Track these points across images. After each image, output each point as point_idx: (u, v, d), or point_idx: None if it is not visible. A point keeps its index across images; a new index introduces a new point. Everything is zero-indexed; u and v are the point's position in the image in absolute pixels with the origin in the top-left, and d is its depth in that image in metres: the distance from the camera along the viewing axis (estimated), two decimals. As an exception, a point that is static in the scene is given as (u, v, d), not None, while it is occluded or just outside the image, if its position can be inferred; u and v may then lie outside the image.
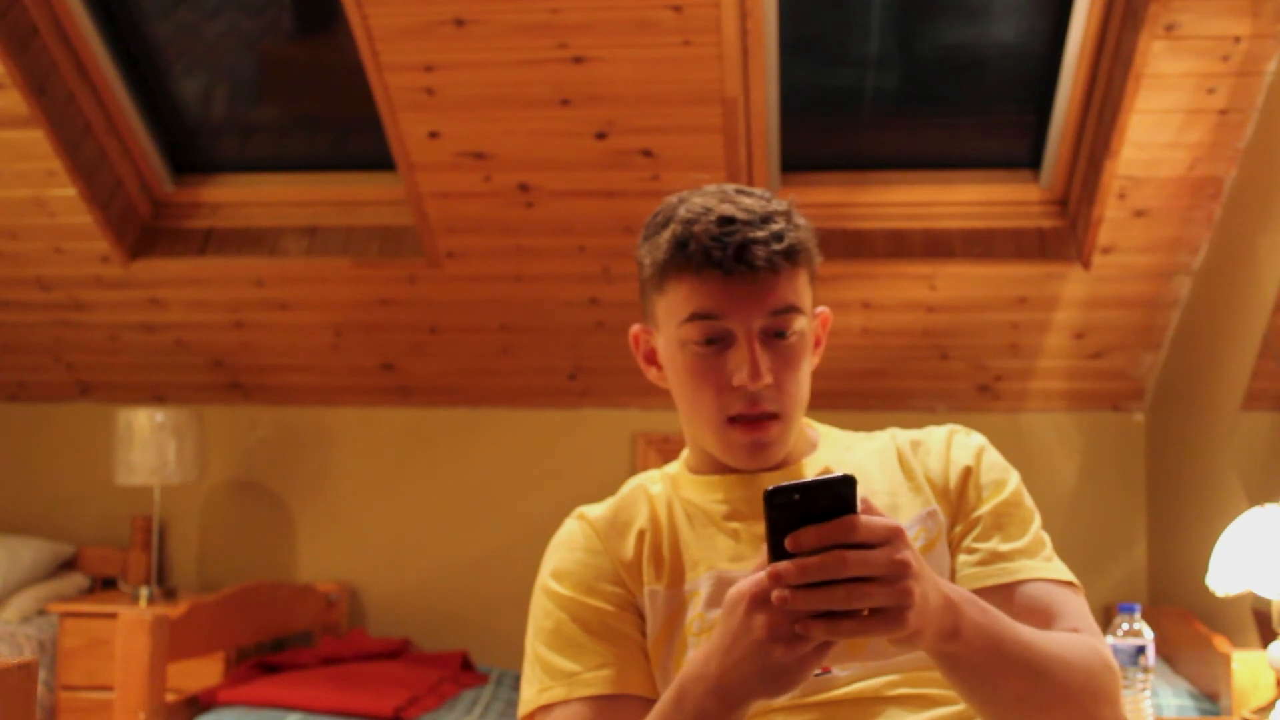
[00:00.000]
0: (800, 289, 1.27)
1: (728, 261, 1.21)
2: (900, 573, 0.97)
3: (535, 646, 1.28)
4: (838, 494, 0.97)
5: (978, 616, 1.07)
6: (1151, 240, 3.18)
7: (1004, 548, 1.25)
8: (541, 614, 1.29)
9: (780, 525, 0.97)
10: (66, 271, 3.65)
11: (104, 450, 3.79)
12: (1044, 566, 1.25)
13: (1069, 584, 1.26)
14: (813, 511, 0.96)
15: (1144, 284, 3.30)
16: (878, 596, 0.96)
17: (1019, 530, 1.27)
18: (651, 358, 1.35)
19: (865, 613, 0.97)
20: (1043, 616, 1.21)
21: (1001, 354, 3.54)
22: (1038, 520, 1.30)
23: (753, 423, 1.26)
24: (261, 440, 4.00)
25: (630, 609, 1.28)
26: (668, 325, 1.29)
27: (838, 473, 0.98)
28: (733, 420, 1.26)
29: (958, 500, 1.29)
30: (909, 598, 0.97)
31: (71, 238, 3.53)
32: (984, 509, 1.27)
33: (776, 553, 0.97)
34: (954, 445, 1.32)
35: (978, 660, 1.08)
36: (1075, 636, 1.19)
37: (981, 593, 1.20)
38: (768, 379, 1.23)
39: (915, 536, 1.26)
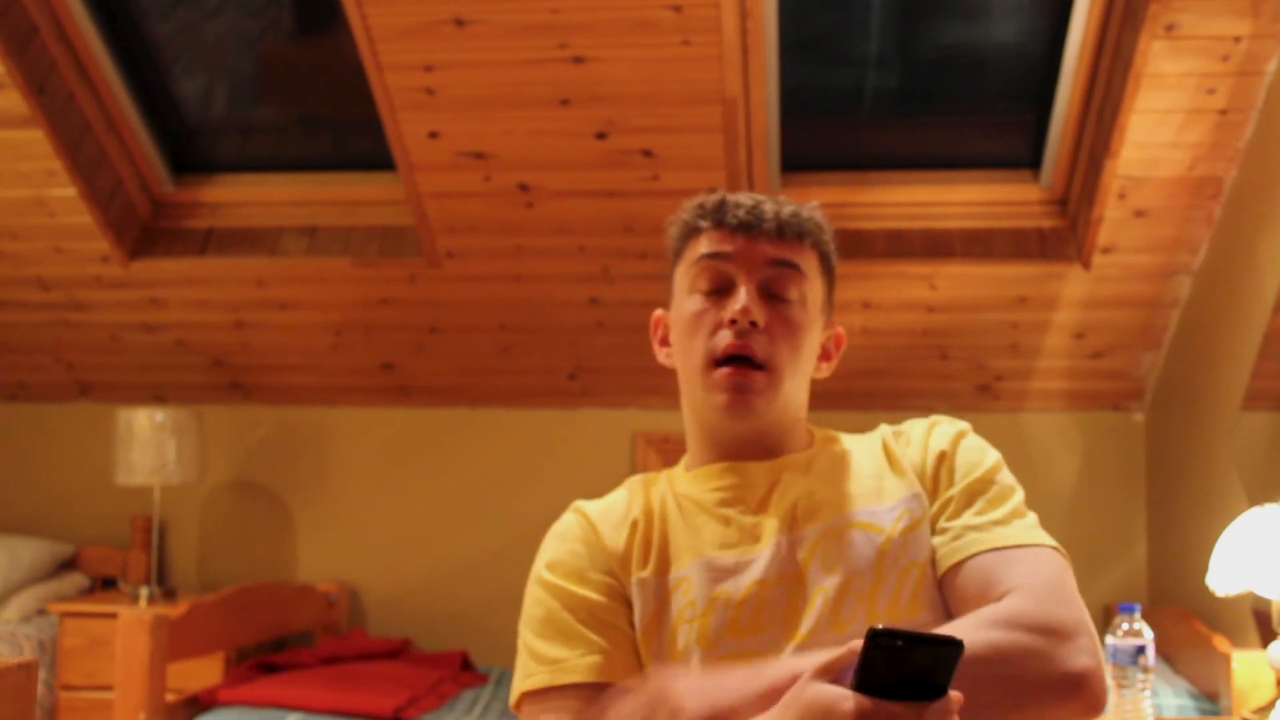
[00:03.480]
0: (807, 264, 1.35)
1: (742, 217, 1.34)
2: None
3: (525, 635, 1.30)
4: (940, 655, 0.97)
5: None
6: (1151, 240, 3.18)
7: (975, 521, 1.26)
8: (532, 602, 1.31)
9: (875, 663, 0.97)
10: (66, 271, 3.65)
11: (104, 450, 3.79)
12: (1007, 532, 1.24)
13: (1036, 546, 1.23)
14: (911, 663, 0.97)
15: (1144, 284, 3.30)
16: None
17: (990, 505, 1.27)
18: (666, 340, 1.43)
19: None
20: (990, 584, 1.20)
21: (1001, 354, 3.54)
22: (1017, 497, 1.29)
23: (738, 367, 1.30)
24: (261, 440, 4.00)
25: (621, 600, 1.29)
26: (681, 285, 1.38)
27: (949, 635, 0.97)
28: (719, 363, 1.31)
29: (933, 484, 1.31)
30: None
31: (71, 238, 3.53)
32: (955, 489, 1.29)
33: (861, 681, 0.98)
34: (933, 434, 1.35)
35: None
36: (990, 613, 1.15)
37: (948, 571, 1.24)
38: (759, 318, 1.30)
39: (900, 516, 1.27)
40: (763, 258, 1.33)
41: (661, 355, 1.44)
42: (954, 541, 1.25)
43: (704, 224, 1.36)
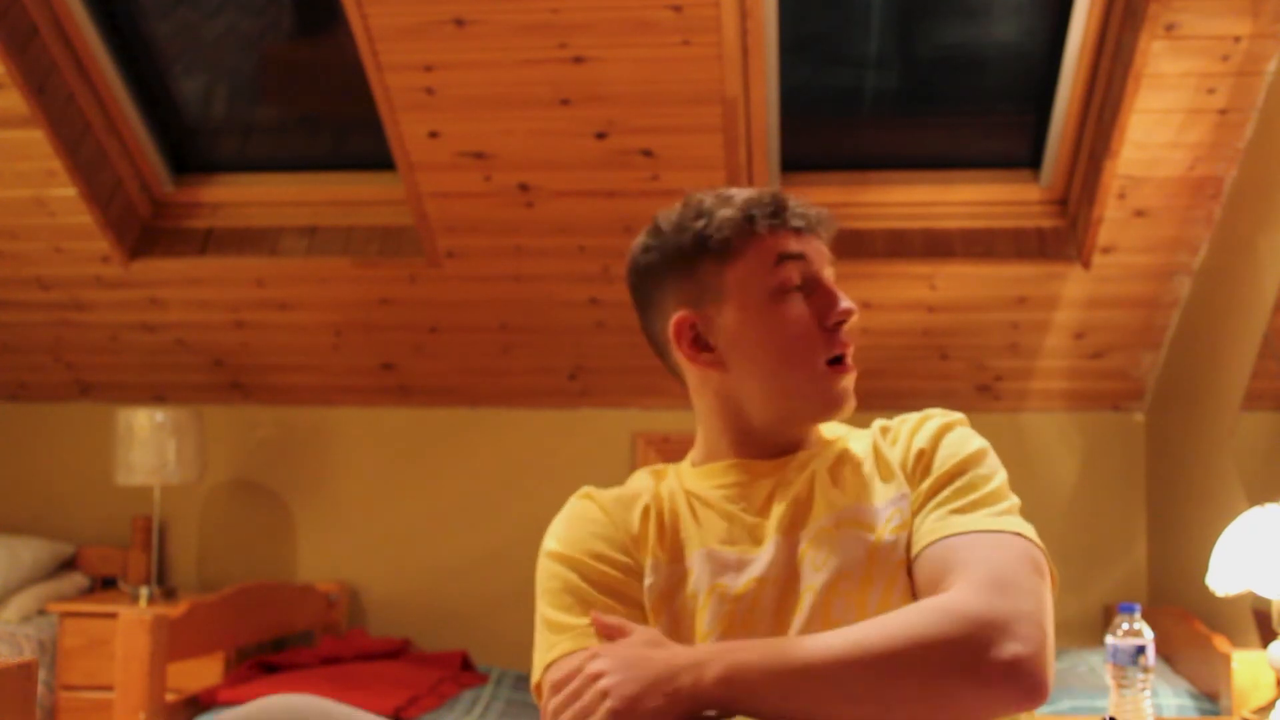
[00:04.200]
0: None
1: (805, 218, 1.35)
2: None
3: (543, 610, 1.29)
4: None
5: (741, 658, 1.13)
6: (1151, 240, 3.18)
7: (935, 512, 1.25)
8: (548, 577, 1.31)
9: None
10: (66, 271, 3.65)
11: (104, 450, 3.79)
12: (964, 520, 1.23)
13: (994, 533, 1.21)
14: None
15: (1144, 284, 3.30)
16: None
17: (955, 495, 1.26)
18: (698, 344, 1.36)
19: None
20: (934, 577, 1.20)
21: (1001, 354, 3.54)
22: (990, 485, 1.27)
23: (845, 367, 1.35)
24: (261, 440, 4.00)
25: (636, 576, 1.30)
26: (749, 286, 1.33)
27: None
28: (830, 364, 1.34)
29: (912, 481, 1.30)
30: None
31: (71, 238, 3.53)
32: (925, 484, 1.28)
33: None
34: (918, 432, 1.34)
35: (764, 696, 1.11)
36: (918, 608, 1.15)
37: (912, 564, 1.24)
38: (855, 309, 1.35)
39: (890, 516, 1.27)
40: (826, 257, 1.37)
41: (702, 361, 1.35)
42: (913, 536, 1.26)
43: (777, 221, 1.34)
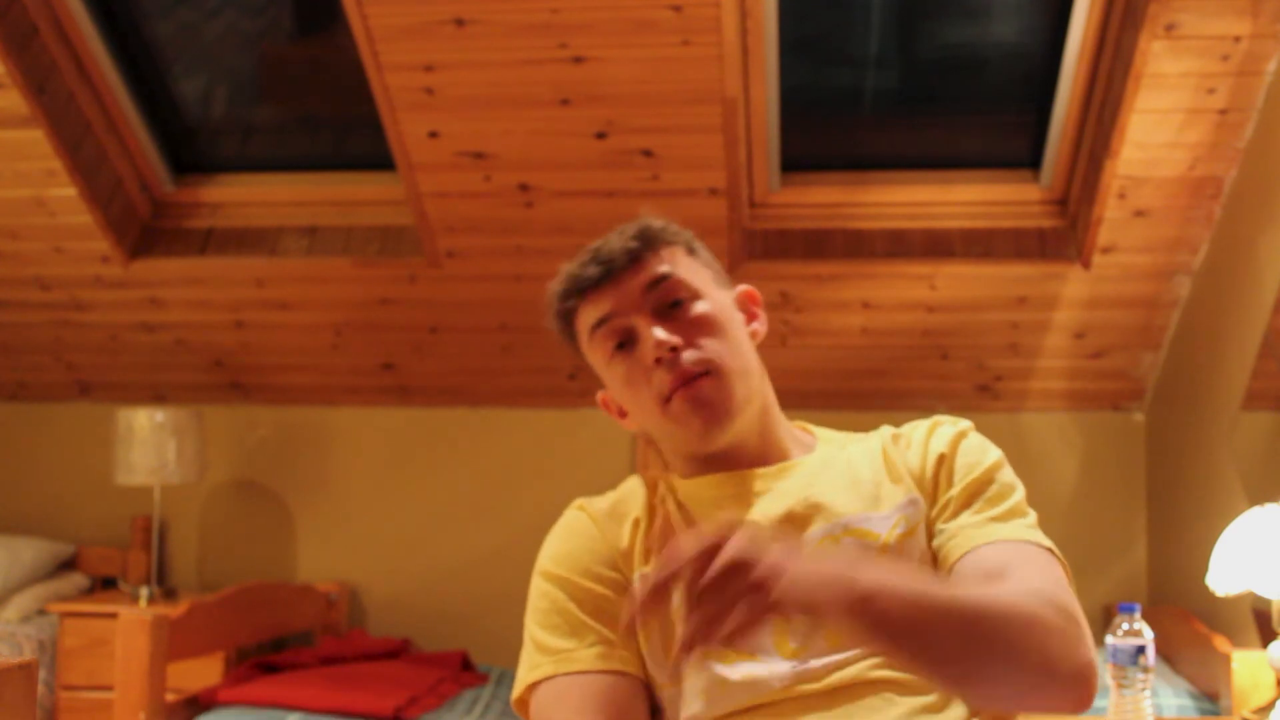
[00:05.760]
0: (674, 263, 1.37)
1: (595, 275, 1.36)
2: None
3: (531, 629, 1.31)
4: None
5: (889, 581, 1.06)
6: (1151, 240, 3.18)
7: (973, 520, 1.26)
8: (538, 595, 1.32)
9: None
10: (66, 271, 3.65)
11: (104, 450, 3.79)
12: (1005, 529, 1.24)
13: (1034, 545, 1.23)
14: None
15: (1144, 284, 3.30)
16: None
17: (989, 504, 1.27)
18: (623, 412, 1.44)
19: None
20: (994, 575, 1.19)
21: (1001, 354, 3.54)
22: (1016, 496, 1.28)
23: (686, 385, 1.31)
24: (261, 440, 4.00)
25: (625, 594, 1.30)
26: (597, 361, 1.39)
27: None
28: (668, 398, 1.31)
29: (933, 487, 1.30)
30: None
31: (71, 238, 3.53)
32: (954, 490, 1.29)
33: None
34: (934, 436, 1.34)
35: (899, 623, 1.05)
36: (1020, 587, 1.15)
37: (949, 570, 1.23)
38: (674, 339, 1.31)
39: (896, 523, 1.27)
40: (637, 291, 1.34)
41: (627, 424, 1.44)
42: (951, 541, 1.25)
43: (572, 301, 1.39)
